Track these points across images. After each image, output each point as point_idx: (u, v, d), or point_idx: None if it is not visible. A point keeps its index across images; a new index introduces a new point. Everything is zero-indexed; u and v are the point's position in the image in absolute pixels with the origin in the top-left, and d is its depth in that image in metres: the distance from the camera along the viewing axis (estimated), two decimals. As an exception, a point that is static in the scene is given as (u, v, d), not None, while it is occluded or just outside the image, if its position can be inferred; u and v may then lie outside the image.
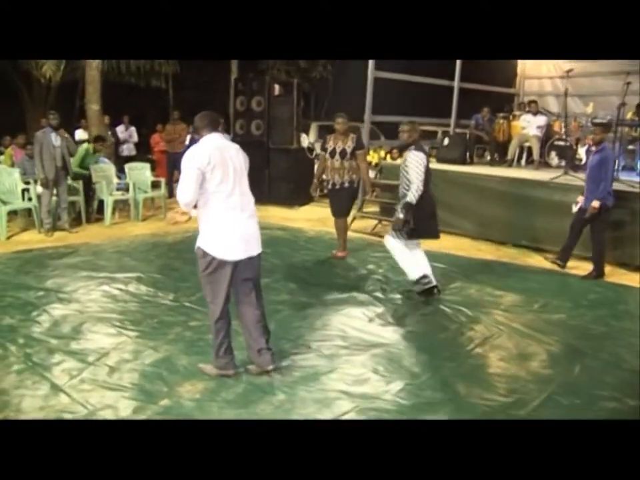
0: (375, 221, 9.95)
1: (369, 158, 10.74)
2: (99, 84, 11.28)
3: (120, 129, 13.18)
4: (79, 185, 9.32)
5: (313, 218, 10.42)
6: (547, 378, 4.39)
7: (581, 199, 7.19)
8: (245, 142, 11.09)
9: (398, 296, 6.24)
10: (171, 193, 10.40)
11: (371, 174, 11.21)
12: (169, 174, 12.05)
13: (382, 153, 14.11)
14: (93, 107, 11.28)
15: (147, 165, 10.66)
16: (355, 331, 5.19)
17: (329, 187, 7.40)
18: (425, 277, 6.00)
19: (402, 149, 6.17)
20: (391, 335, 5.19)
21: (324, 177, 7.41)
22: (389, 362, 4.56)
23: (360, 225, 9.71)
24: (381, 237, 8.82)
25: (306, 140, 11.93)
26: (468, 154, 11.09)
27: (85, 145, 9.95)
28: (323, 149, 7.35)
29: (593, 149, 7.39)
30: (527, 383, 4.30)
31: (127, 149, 13.24)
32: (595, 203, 6.83)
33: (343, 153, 7.14)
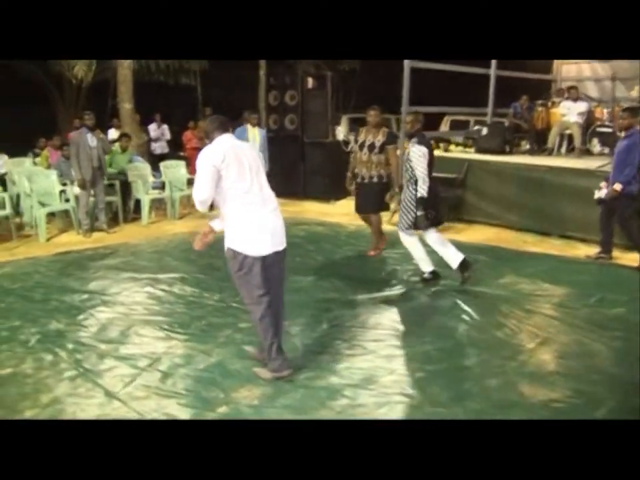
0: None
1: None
2: (131, 83, 11.20)
3: (152, 127, 13.14)
4: (116, 184, 9.25)
5: (351, 212, 10.10)
6: (614, 377, 4.18)
7: (604, 184, 6.94)
8: (279, 137, 11.10)
9: (444, 289, 6.07)
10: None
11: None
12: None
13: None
14: (126, 105, 11.21)
15: (182, 163, 10.58)
16: (409, 330, 5.05)
17: (358, 180, 7.16)
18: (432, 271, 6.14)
19: (408, 138, 6.01)
20: (435, 329, 5.07)
21: (355, 170, 7.19)
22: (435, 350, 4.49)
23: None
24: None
25: (341, 133, 11.78)
26: (507, 143, 10.80)
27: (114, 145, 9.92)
28: (355, 141, 7.18)
29: (622, 134, 7.11)
30: (594, 382, 4.09)
31: (160, 147, 13.19)
32: (617, 186, 6.58)
33: (371, 147, 6.90)
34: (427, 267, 6.13)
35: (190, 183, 10.31)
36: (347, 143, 11.98)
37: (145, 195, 9.36)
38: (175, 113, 17.23)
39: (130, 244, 8.02)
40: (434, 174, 5.93)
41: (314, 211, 10.58)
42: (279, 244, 3.85)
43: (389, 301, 5.75)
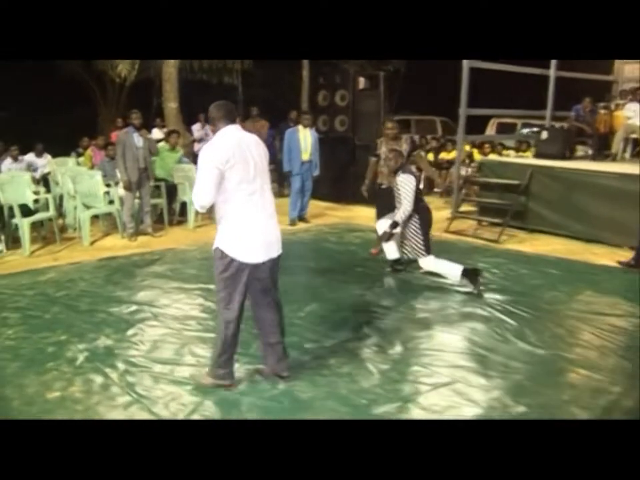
0: (474, 222, 9.24)
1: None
2: (176, 81, 10.87)
3: (196, 127, 12.76)
4: (162, 186, 8.88)
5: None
6: None
7: None
8: (328, 139, 10.63)
9: (521, 308, 5.54)
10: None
11: (463, 171, 10.60)
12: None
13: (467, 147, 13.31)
14: (171, 105, 10.88)
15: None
16: (483, 348, 4.66)
17: (381, 187, 7.03)
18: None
19: (393, 173, 6.07)
20: (521, 354, 4.58)
21: (378, 180, 7.06)
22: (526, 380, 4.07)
23: (457, 227, 9.00)
24: (486, 240, 8.21)
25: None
26: (568, 148, 10.21)
27: (161, 144, 9.53)
28: (375, 155, 7.00)
29: None
30: None
31: (204, 148, 12.80)
32: None
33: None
34: (458, 272, 5.88)
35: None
36: (398, 145, 11.50)
37: (191, 197, 8.94)
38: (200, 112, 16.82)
39: (177, 250, 7.62)
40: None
41: (365, 216, 10.02)
42: (274, 251, 3.66)
43: (460, 318, 5.28)
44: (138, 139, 8.02)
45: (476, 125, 17.57)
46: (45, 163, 9.99)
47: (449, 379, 4.10)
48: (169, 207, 9.04)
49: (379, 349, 4.60)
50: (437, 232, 8.74)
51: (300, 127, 9.34)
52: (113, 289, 5.94)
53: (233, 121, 3.54)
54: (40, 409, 3.59)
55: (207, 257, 7.06)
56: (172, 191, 9.13)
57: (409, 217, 5.88)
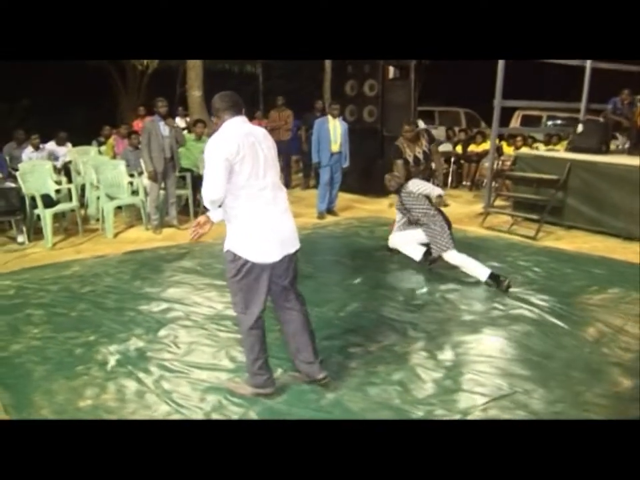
0: (508, 217, 8.93)
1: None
2: (201, 69, 10.56)
3: (219, 117, 12.45)
4: (187, 176, 8.59)
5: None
6: None
7: None
8: (356, 130, 10.29)
9: (570, 311, 5.23)
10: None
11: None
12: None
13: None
14: (195, 93, 10.58)
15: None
16: (537, 354, 4.36)
17: None
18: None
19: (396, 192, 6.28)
20: (579, 361, 4.26)
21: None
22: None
23: (490, 222, 8.67)
24: (523, 236, 7.89)
25: (422, 126, 10.87)
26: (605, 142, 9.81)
27: (186, 134, 9.23)
28: (402, 157, 6.81)
29: None
30: None
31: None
32: None
33: (416, 160, 6.81)
34: (484, 272, 5.77)
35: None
36: (429, 137, 11.15)
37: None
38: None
39: (205, 243, 7.30)
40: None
41: (393, 210, 9.76)
42: (290, 247, 3.42)
43: (508, 322, 4.95)
44: (164, 128, 7.72)
45: (501, 117, 17.30)
46: (65, 151, 9.71)
47: (507, 389, 3.79)
48: (194, 198, 8.73)
49: (429, 354, 4.30)
50: (471, 227, 8.50)
51: (329, 117, 9.02)
52: (141, 285, 5.67)
53: (239, 113, 3.31)
54: (72, 418, 3.32)
55: (235, 251, 6.82)
56: (197, 181, 8.82)
57: (433, 216, 5.95)
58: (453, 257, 5.88)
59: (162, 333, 4.56)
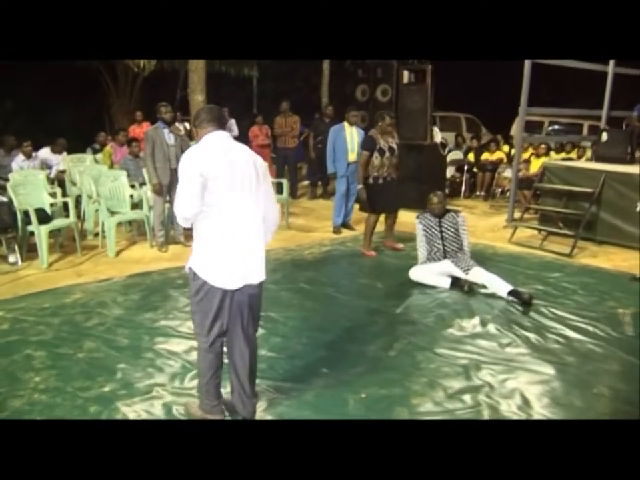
0: (535, 232, 8.49)
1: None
2: (204, 72, 9.89)
3: (219, 122, 11.76)
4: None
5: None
6: None
7: None
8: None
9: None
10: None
11: (509, 173, 9.66)
12: (278, 172, 10.64)
13: (506, 148, 12.42)
14: (197, 97, 9.88)
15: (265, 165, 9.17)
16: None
17: (380, 181, 7.13)
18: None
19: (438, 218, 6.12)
20: None
21: (375, 174, 7.09)
22: None
23: (519, 237, 8.11)
24: (556, 253, 7.35)
25: (438, 134, 10.31)
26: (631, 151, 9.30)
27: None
28: (376, 149, 7.04)
29: None
30: None
31: (228, 144, 11.81)
32: None
33: (391, 150, 7.13)
34: (507, 287, 5.57)
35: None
36: (444, 145, 10.58)
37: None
38: (224, 106, 15.90)
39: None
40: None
41: (410, 222, 9.10)
42: (254, 277, 3.19)
43: (577, 358, 4.31)
44: (169, 136, 7.04)
45: (505, 123, 16.82)
46: (60, 160, 8.96)
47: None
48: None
49: (505, 398, 3.67)
50: (498, 243, 7.91)
51: (345, 125, 8.38)
52: (154, 317, 4.98)
53: (221, 127, 3.17)
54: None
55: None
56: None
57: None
58: (479, 273, 5.76)
59: (189, 381, 3.86)
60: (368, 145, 7.05)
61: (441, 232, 5.98)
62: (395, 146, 7.15)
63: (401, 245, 7.54)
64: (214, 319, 3.19)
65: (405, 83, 9.98)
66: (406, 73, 10.15)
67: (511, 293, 5.51)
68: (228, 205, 3.01)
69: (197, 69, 9.85)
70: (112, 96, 14.02)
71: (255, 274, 3.19)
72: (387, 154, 7.06)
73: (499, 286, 5.61)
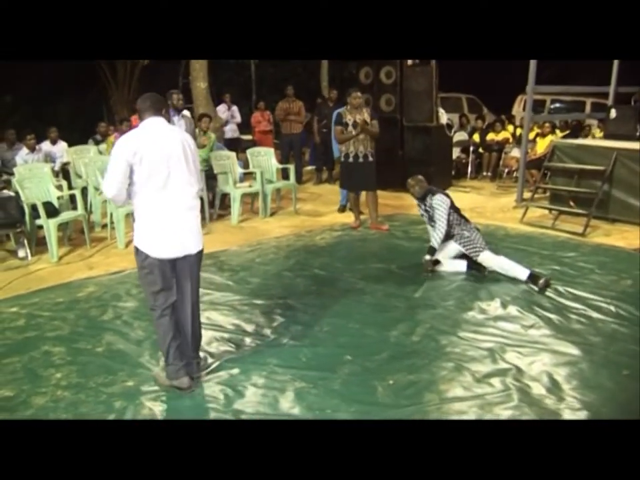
0: (545, 212, 8.46)
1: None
2: (205, 60, 9.71)
3: (221, 109, 11.65)
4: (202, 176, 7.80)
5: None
6: None
7: None
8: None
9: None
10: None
11: (517, 153, 9.55)
12: (282, 158, 10.53)
13: (510, 128, 12.27)
14: (200, 84, 9.76)
15: (271, 151, 9.10)
16: None
17: (351, 160, 7.34)
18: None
19: (420, 200, 6.02)
20: None
21: (344, 150, 7.34)
22: None
23: (530, 217, 8.06)
24: (569, 232, 7.25)
25: (444, 115, 10.18)
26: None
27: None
28: (341, 123, 7.29)
29: None
30: None
31: (230, 131, 11.72)
32: None
33: (354, 124, 7.21)
34: (524, 272, 5.43)
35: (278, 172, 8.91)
36: (450, 126, 10.46)
37: (234, 189, 7.88)
38: (223, 92, 15.76)
39: (230, 251, 6.57)
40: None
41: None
42: (191, 247, 3.50)
43: (605, 340, 4.22)
44: (180, 123, 6.93)
45: (506, 101, 16.67)
46: (61, 151, 8.84)
47: None
48: (209, 199, 7.97)
49: (534, 381, 3.61)
50: (509, 223, 7.83)
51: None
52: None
53: (158, 114, 3.44)
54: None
55: (267, 261, 6.09)
56: (212, 181, 8.07)
57: (460, 224, 5.75)
58: (488, 258, 5.58)
59: (212, 373, 3.80)
60: (336, 120, 7.41)
61: (428, 215, 5.88)
62: (359, 121, 7.17)
63: (385, 226, 7.53)
64: (161, 288, 3.45)
65: (409, 65, 9.82)
66: (410, 54, 10.01)
67: (529, 278, 5.39)
68: (158, 182, 3.31)
69: (199, 57, 9.70)
70: (111, 87, 13.86)
71: (192, 244, 3.50)
72: (350, 128, 7.20)
73: (515, 271, 5.49)
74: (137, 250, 3.48)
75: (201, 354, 3.96)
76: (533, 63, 8.75)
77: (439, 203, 5.68)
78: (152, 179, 3.30)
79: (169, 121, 3.65)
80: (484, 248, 5.60)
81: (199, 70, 9.70)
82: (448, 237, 5.73)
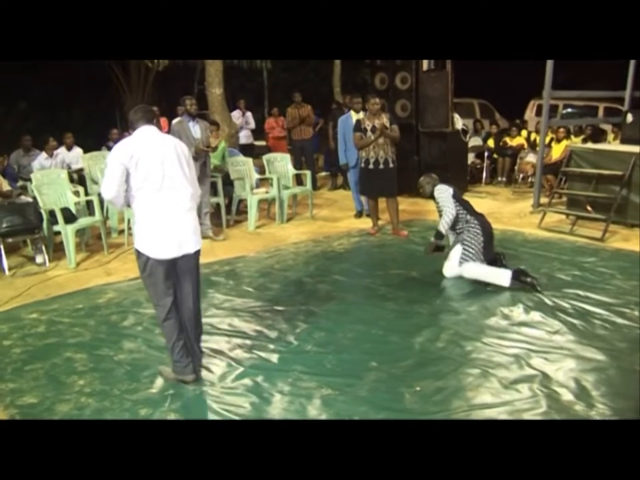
0: (563, 217, 8.35)
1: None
2: (221, 65, 9.74)
3: (235, 115, 11.66)
4: (218, 183, 7.79)
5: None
6: None
7: None
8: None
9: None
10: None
11: (532, 158, 9.48)
12: (295, 164, 10.49)
13: (524, 133, 12.21)
14: (215, 91, 9.75)
15: (288, 156, 9.08)
16: None
17: (371, 166, 7.28)
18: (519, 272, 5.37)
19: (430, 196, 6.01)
20: None
21: (364, 156, 7.29)
22: None
23: (547, 222, 7.99)
24: (588, 238, 7.18)
25: (459, 121, 10.12)
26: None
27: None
28: (360, 129, 7.27)
29: None
30: None
31: (245, 137, 11.73)
32: None
33: (373, 129, 7.18)
34: (505, 277, 5.29)
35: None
36: (465, 132, 10.40)
37: (251, 194, 7.86)
38: (238, 97, 15.77)
39: (249, 257, 6.55)
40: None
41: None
42: (189, 247, 3.63)
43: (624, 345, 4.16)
44: (195, 129, 6.93)
45: (518, 106, 16.60)
46: (77, 157, 8.85)
47: None
48: (226, 205, 7.97)
49: (561, 387, 3.56)
50: (527, 229, 7.77)
51: (352, 113, 8.28)
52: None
53: (149, 122, 3.59)
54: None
55: (286, 267, 6.06)
56: (228, 187, 8.05)
57: (467, 222, 5.62)
58: (470, 269, 5.47)
59: (237, 380, 3.76)
60: (355, 126, 7.39)
61: (439, 209, 5.85)
62: (377, 126, 7.15)
63: (405, 232, 7.50)
64: (165, 287, 3.58)
65: (424, 70, 9.80)
66: (425, 60, 9.97)
67: (514, 277, 5.29)
68: (154, 184, 3.44)
69: (213, 62, 9.70)
70: (124, 92, 13.88)
71: (191, 244, 3.62)
72: (369, 133, 7.17)
73: (496, 278, 5.35)
74: (137, 253, 3.60)
75: (225, 360, 3.93)
76: (549, 68, 8.68)
77: (440, 191, 5.71)
78: (148, 181, 3.44)
79: (161, 129, 3.78)
80: (473, 259, 5.48)
81: (214, 76, 9.70)
82: (454, 229, 5.74)
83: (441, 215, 5.75)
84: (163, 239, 3.51)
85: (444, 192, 5.67)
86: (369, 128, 7.19)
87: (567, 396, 3.56)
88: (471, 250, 5.50)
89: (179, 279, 3.67)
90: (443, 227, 5.64)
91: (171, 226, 3.52)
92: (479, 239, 5.52)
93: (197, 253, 3.71)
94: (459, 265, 5.55)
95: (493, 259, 5.64)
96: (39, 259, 6.33)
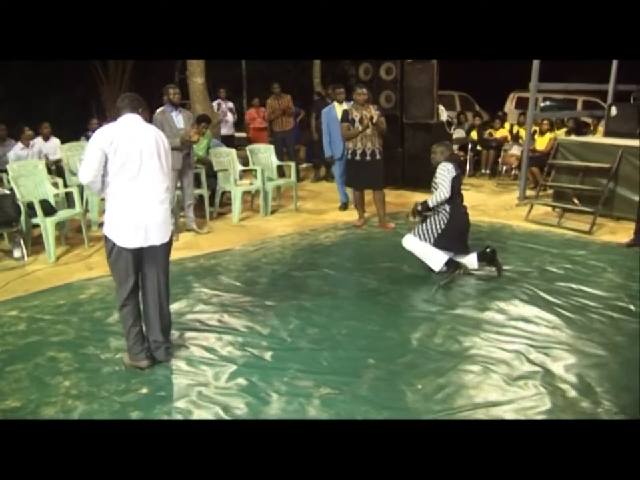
0: (549, 209, 8.31)
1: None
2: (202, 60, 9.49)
3: (216, 106, 11.42)
4: (201, 174, 7.61)
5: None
6: None
7: None
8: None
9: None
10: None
11: (516, 150, 9.42)
12: (276, 156, 10.32)
13: (507, 126, 12.17)
14: (197, 80, 9.52)
15: (271, 148, 8.90)
16: None
17: (358, 158, 7.17)
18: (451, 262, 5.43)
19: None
20: None
21: (351, 147, 7.17)
22: None
23: (534, 215, 7.95)
24: (575, 230, 7.13)
25: (444, 113, 10.02)
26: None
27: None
28: (348, 120, 7.13)
29: None
30: None
31: (225, 127, 11.49)
32: None
33: (360, 120, 7.07)
34: (439, 262, 5.40)
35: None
36: (450, 124, 10.31)
37: (235, 186, 7.68)
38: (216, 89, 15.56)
39: (235, 251, 6.38)
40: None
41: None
42: (156, 239, 3.63)
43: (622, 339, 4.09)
44: (178, 119, 6.73)
45: (498, 99, 16.57)
46: (55, 148, 8.60)
47: None
48: (209, 196, 7.79)
49: (564, 383, 3.46)
50: (514, 221, 7.70)
51: (335, 104, 8.14)
52: (179, 311, 4.68)
53: (134, 111, 3.63)
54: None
55: (273, 261, 5.91)
56: (211, 179, 7.87)
57: (444, 207, 5.51)
58: (410, 240, 5.54)
59: (231, 380, 3.61)
60: (343, 117, 7.26)
61: (433, 183, 5.71)
62: (365, 117, 7.03)
63: (391, 225, 7.41)
64: (127, 275, 3.61)
65: (409, 62, 9.66)
66: (410, 50, 9.84)
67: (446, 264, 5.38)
68: (130, 172, 3.46)
69: (195, 51, 9.48)
70: (102, 83, 13.57)
71: (157, 236, 3.62)
72: (357, 124, 7.06)
73: (430, 260, 5.45)
74: (105, 238, 3.62)
75: (217, 358, 3.78)
76: (536, 60, 8.61)
77: (445, 169, 5.51)
78: (124, 168, 3.46)
79: (149, 120, 3.89)
80: (423, 238, 5.45)
81: (196, 65, 9.47)
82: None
83: (434, 188, 5.59)
84: (130, 227, 3.52)
85: (447, 172, 5.48)
86: (356, 119, 7.06)
87: (571, 392, 3.47)
88: (427, 230, 5.45)
89: (144, 270, 3.69)
90: (432, 202, 5.50)
91: (140, 216, 3.54)
92: (439, 226, 5.42)
93: (165, 245, 3.71)
94: (410, 234, 5.56)
95: (462, 251, 5.56)
96: (16, 253, 6.10)
